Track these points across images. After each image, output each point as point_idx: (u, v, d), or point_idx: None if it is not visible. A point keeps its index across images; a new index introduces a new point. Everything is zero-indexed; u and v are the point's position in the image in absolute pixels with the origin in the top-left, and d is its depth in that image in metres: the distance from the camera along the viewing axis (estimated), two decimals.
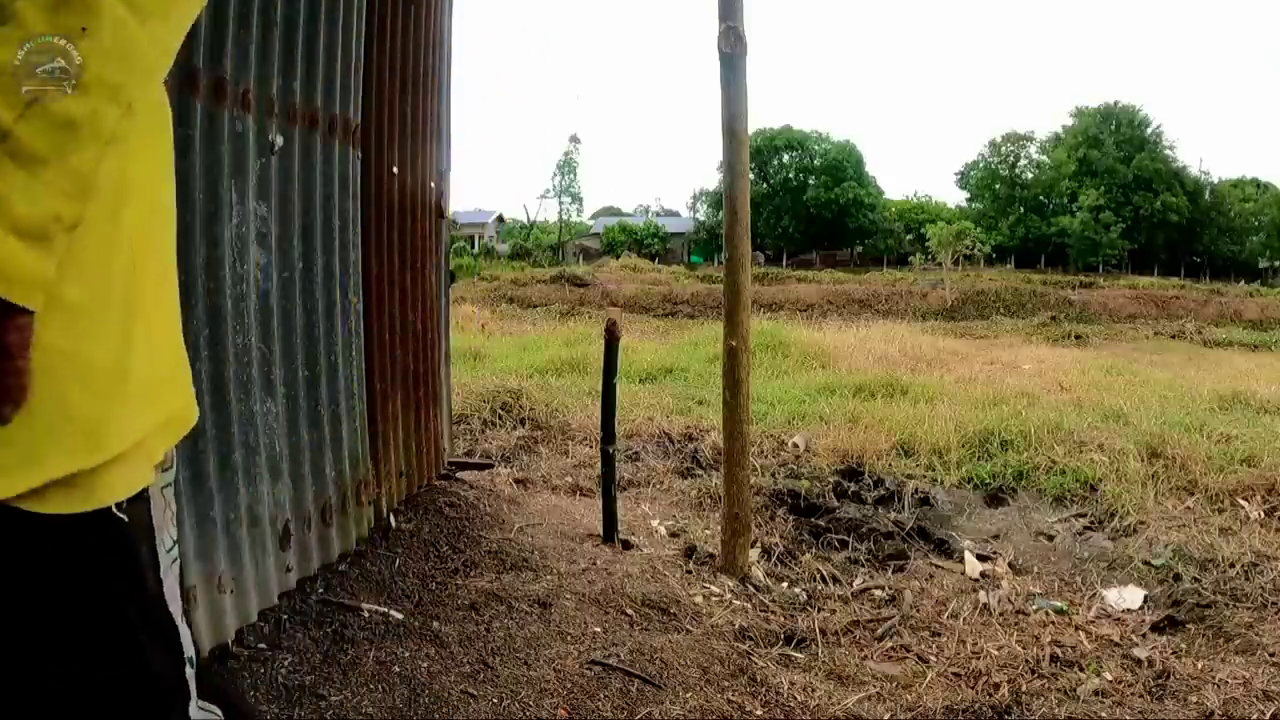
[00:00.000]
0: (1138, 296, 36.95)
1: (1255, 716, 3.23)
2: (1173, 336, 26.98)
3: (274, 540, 3.23)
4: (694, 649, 3.46)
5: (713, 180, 64.40)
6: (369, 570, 3.76)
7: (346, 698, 2.75)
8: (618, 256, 53.38)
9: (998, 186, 62.07)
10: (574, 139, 62.50)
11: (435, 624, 3.35)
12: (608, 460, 4.75)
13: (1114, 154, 59.34)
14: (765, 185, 60.05)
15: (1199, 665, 3.66)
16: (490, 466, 5.63)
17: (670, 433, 7.61)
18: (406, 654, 3.08)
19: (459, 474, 5.27)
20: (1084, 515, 5.78)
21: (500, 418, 7.76)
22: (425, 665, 3.02)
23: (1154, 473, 6.14)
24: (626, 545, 4.68)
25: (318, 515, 3.54)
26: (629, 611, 3.76)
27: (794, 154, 61.81)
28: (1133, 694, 3.45)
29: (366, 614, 3.34)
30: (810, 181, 61.06)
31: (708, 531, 5.16)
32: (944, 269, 39.10)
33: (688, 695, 3.11)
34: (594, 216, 75.74)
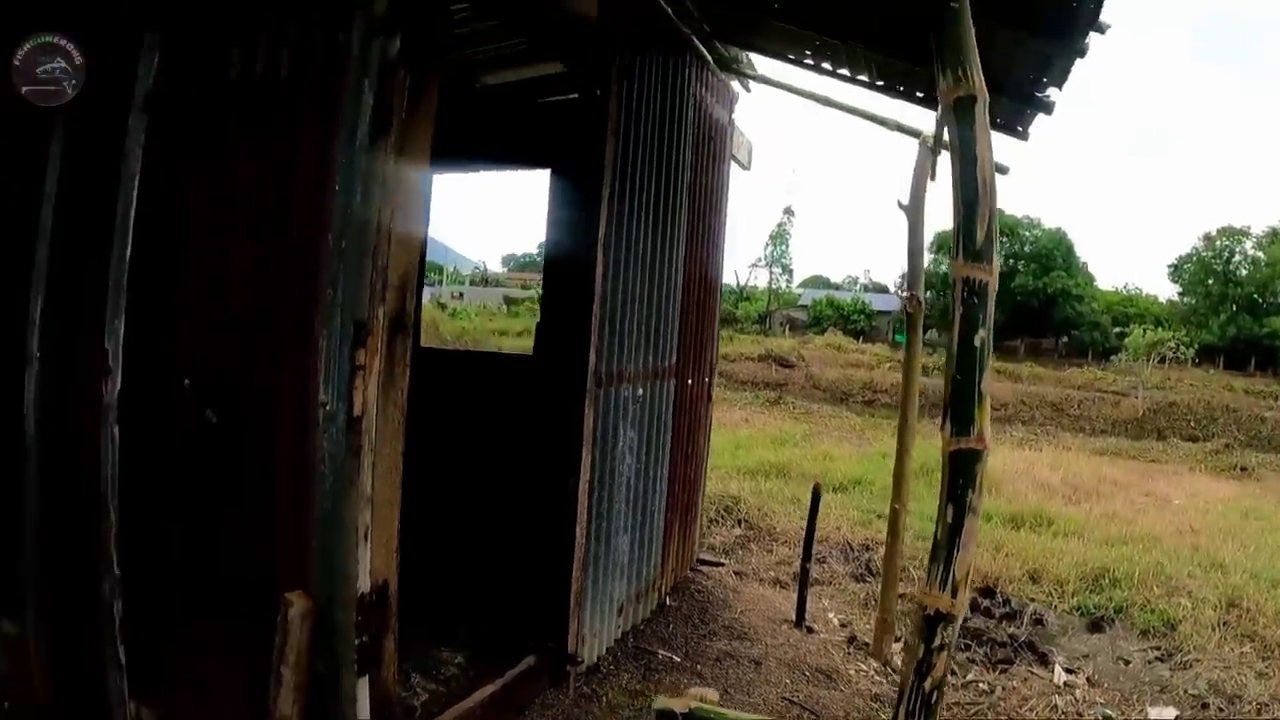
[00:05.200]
0: None
1: None
2: None
3: (616, 611, 5.93)
4: (843, 702, 5.85)
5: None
6: (656, 631, 6.39)
7: None
8: (822, 331, 55.09)
9: (1210, 282, 58.45)
10: (788, 211, 65.33)
11: (698, 666, 5.92)
12: (805, 573, 7.19)
13: None
14: None
15: None
16: (721, 565, 8.19)
17: (851, 542, 9.82)
18: (686, 681, 5.66)
19: (701, 566, 7.87)
20: (1159, 648, 7.53)
21: (722, 517, 10.30)
22: (698, 689, 5.60)
23: (1225, 620, 7.86)
24: (810, 630, 7.08)
25: (634, 598, 6.22)
26: (806, 674, 6.18)
27: (1003, 240, 59.60)
28: None
29: (660, 656, 5.97)
30: (1019, 268, 59.85)
31: (866, 626, 7.43)
32: (1140, 375, 37.74)
33: None
34: (802, 285, 77.61)
